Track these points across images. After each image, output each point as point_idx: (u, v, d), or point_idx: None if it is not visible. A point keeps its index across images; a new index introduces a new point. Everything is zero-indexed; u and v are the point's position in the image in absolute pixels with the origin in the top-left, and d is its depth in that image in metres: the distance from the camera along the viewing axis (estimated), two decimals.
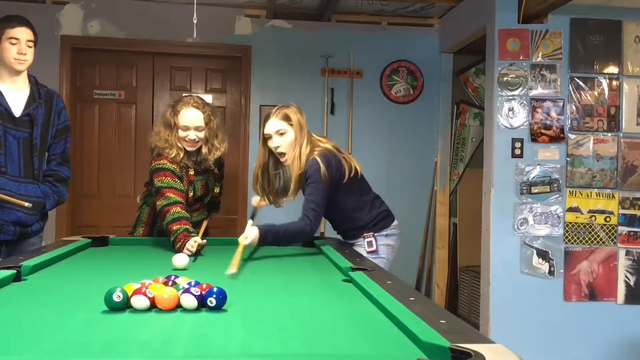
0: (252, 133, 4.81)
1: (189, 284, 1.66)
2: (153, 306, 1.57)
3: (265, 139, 2.81)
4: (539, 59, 4.07)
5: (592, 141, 4.10)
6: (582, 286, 4.07)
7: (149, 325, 1.46)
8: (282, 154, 2.77)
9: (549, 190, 4.05)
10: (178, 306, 1.58)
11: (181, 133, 2.89)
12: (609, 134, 4.11)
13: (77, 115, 4.75)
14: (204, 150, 2.95)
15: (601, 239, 4.09)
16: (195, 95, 3.12)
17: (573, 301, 4.06)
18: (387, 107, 5.01)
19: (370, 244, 2.87)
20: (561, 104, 4.08)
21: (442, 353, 1.17)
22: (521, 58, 4.05)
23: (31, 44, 2.82)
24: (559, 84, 4.08)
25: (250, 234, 2.55)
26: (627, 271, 4.10)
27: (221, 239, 3.16)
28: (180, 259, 2.27)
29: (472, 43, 4.63)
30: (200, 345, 1.31)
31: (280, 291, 1.93)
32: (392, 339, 1.34)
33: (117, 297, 1.54)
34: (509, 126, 4.04)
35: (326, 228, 3.23)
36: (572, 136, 4.09)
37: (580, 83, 4.10)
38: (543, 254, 4.04)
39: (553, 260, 4.05)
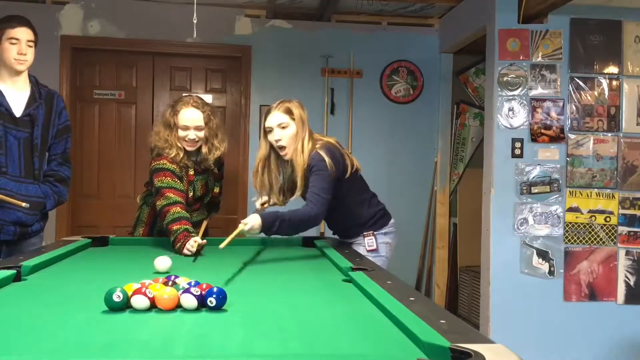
0: (252, 133, 4.81)
1: (189, 284, 1.66)
2: (153, 306, 1.57)
3: (266, 132, 2.76)
4: (539, 59, 4.07)
5: (592, 141, 4.10)
6: (582, 286, 4.07)
7: (149, 325, 1.46)
8: (283, 148, 2.73)
9: (549, 190, 4.05)
10: (178, 306, 1.58)
11: (181, 133, 2.89)
12: (609, 134, 4.11)
13: (77, 115, 4.75)
14: (204, 150, 2.95)
15: (601, 239, 4.09)
16: (194, 95, 3.12)
17: (573, 301, 4.06)
18: (387, 107, 5.01)
19: (370, 243, 2.86)
20: (561, 104, 4.08)
21: (442, 353, 1.17)
22: (521, 58, 4.05)
23: (31, 44, 2.81)
24: (559, 84, 4.08)
25: (250, 219, 2.47)
26: (627, 271, 4.10)
27: (221, 239, 3.14)
28: (162, 262, 2.16)
29: (472, 43, 4.63)
30: (200, 345, 1.31)
31: (280, 291, 1.93)
32: (392, 339, 1.34)
33: (117, 297, 1.54)
34: (509, 126, 4.04)
35: (326, 228, 3.23)
36: (572, 136, 4.10)
37: (580, 83, 4.10)
38: (543, 254, 4.05)
39: (553, 260, 4.05)
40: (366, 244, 2.87)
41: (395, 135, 5.01)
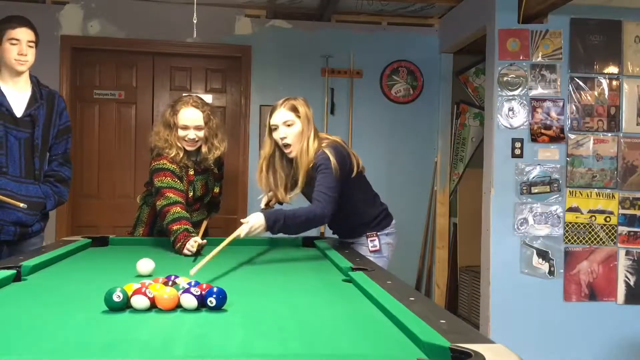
0: (252, 133, 4.82)
1: (189, 284, 1.66)
2: (153, 306, 1.57)
3: (272, 129, 2.73)
4: (539, 59, 4.07)
5: (592, 141, 4.10)
6: (582, 286, 4.07)
7: (149, 325, 1.46)
8: (288, 145, 2.69)
9: (549, 190, 4.05)
10: (178, 306, 1.58)
11: (181, 132, 2.89)
12: (609, 134, 4.11)
13: (77, 115, 4.75)
14: (204, 149, 2.95)
15: (601, 239, 4.09)
16: (194, 95, 3.12)
17: (573, 301, 4.06)
18: (387, 107, 5.01)
19: (374, 244, 2.86)
20: (561, 104, 4.08)
21: (442, 353, 1.17)
22: (521, 58, 4.05)
23: (32, 44, 2.81)
24: (559, 84, 4.08)
25: (252, 217, 2.42)
26: (627, 271, 4.10)
27: (221, 239, 3.14)
28: (144, 265, 2.08)
29: (472, 43, 4.63)
30: (200, 345, 1.31)
31: (280, 291, 1.93)
32: (392, 339, 1.34)
33: (117, 297, 1.54)
34: (509, 126, 4.04)
35: (326, 228, 3.23)
36: (572, 136, 4.09)
37: (580, 83, 4.10)
38: (543, 254, 4.05)
39: (553, 260, 4.05)
40: (369, 245, 2.86)
41: (395, 135, 5.01)
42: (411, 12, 4.90)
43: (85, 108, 4.84)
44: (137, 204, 3.24)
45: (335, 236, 3.08)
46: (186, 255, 2.60)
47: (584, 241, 4.08)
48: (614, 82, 4.13)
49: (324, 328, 1.46)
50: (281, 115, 2.69)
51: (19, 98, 2.81)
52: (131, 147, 4.87)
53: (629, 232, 4.10)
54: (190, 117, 2.88)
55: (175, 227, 2.68)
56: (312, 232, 4.52)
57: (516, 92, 4.05)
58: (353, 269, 2.10)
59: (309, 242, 3.01)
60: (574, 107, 4.10)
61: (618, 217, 4.10)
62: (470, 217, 4.89)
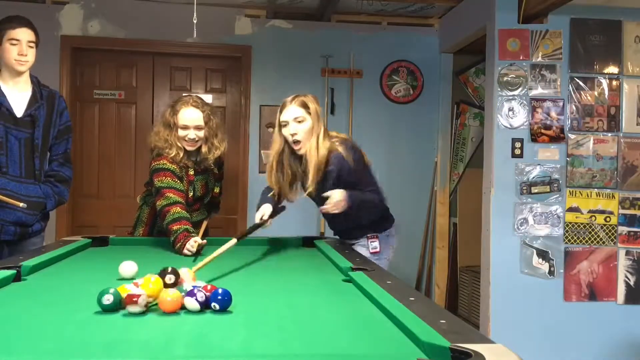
0: (252, 133, 4.82)
1: (194, 286, 1.63)
2: (148, 303, 1.55)
3: (281, 126, 2.73)
4: (539, 59, 4.07)
5: (592, 141, 4.10)
6: (582, 286, 4.07)
7: (149, 325, 1.46)
8: (297, 142, 2.69)
9: (549, 190, 4.05)
10: (181, 308, 1.57)
11: (181, 132, 2.89)
12: (609, 134, 4.11)
13: (77, 115, 4.75)
14: (204, 149, 2.95)
15: (601, 239, 4.09)
16: (194, 95, 3.12)
17: (573, 301, 4.06)
18: (387, 107, 5.01)
19: (375, 245, 2.86)
20: (561, 104, 4.08)
21: (442, 353, 1.17)
22: (521, 58, 4.05)
23: (32, 44, 2.81)
24: (559, 84, 4.08)
25: (335, 193, 2.58)
26: (627, 271, 4.10)
27: (221, 239, 3.15)
28: (126, 268, 2.02)
29: (472, 43, 4.63)
30: (201, 345, 1.31)
31: (281, 291, 1.93)
32: (392, 339, 1.34)
33: (106, 300, 1.52)
34: (509, 126, 4.04)
35: (326, 228, 3.23)
36: (572, 136, 4.10)
37: (580, 83, 4.10)
38: (543, 254, 4.05)
39: (553, 260, 4.05)
40: (370, 246, 2.86)
41: (395, 136, 5.01)
42: (411, 12, 4.90)
43: (85, 108, 4.84)
44: (137, 204, 3.25)
45: (336, 237, 3.08)
46: (186, 255, 2.60)
47: (584, 241, 4.08)
48: (614, 82, 4.13)
49: (324, 328, 1.46)
50: (292, 111, 2.69)
51: (19, 98, 2.81)
52: (131, 147, 4.87)
53: (629, 232, 4.10)
54: (190, 117, 2.89)
55: (175, 227, 2.68)
56: (312, 232, 4.54)
57: (516, 92, 4.05)
58: (353, 269, 2.10)
59: (309, 242, 3.01)
60: (574, 107, 4.10)
61: (618, 217, 4.10)
62: (470, 217, 4.89)
